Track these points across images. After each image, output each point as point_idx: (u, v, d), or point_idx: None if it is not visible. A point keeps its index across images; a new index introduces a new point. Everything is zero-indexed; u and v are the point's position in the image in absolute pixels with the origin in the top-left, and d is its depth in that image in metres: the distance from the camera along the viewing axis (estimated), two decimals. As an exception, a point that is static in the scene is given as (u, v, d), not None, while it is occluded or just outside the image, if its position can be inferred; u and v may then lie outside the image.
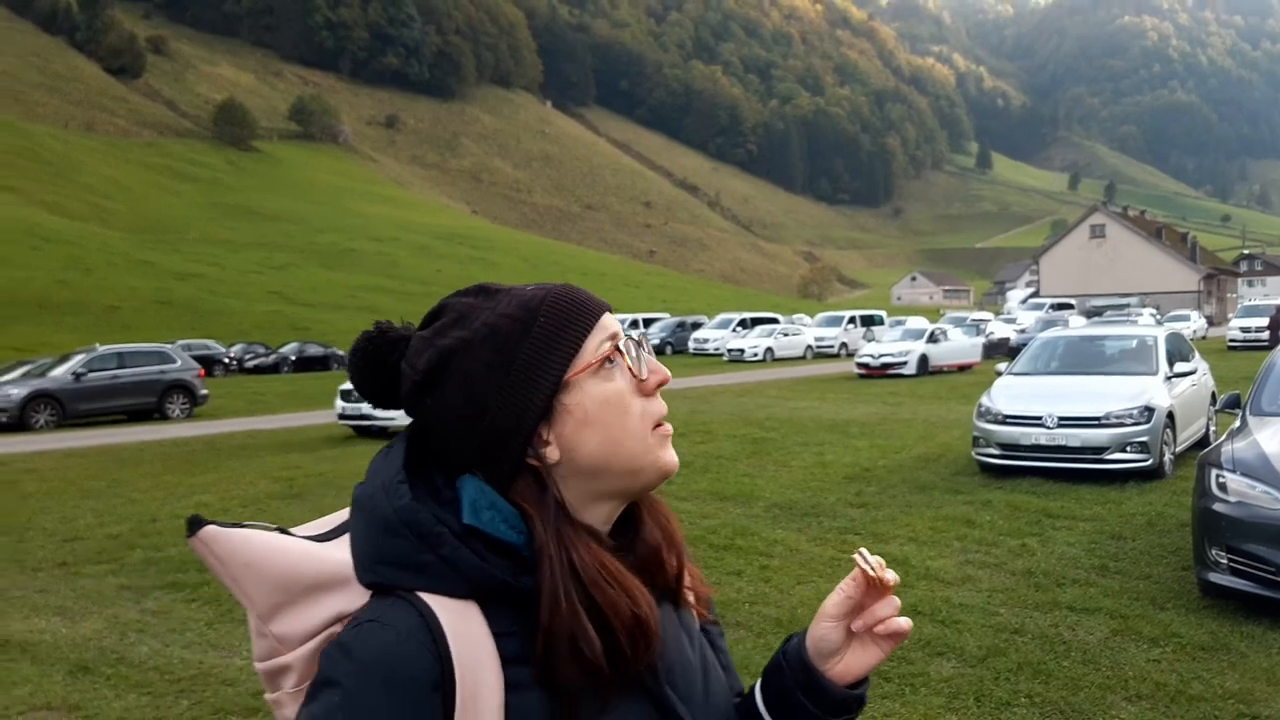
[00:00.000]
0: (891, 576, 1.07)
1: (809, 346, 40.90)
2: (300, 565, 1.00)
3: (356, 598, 0.98)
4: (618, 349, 1.02)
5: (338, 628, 0.98)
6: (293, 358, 45.30)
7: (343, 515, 1.07)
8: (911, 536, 8.10)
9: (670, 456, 1.04)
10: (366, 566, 0.96)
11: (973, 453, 10.96)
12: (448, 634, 0.92)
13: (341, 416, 16.95)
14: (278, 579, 0.99)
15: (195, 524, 1.01)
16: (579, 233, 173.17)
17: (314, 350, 46.94)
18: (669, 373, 1.05)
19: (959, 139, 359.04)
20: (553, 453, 0.99)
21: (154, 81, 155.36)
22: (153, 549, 8.55)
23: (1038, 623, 5.84)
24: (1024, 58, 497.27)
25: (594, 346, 1.01)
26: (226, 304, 65.20)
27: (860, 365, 28.02)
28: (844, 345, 41.05)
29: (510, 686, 0.93)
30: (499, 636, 0.94)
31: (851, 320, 43.25)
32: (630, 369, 1.02)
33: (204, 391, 23.89)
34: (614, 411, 1.00)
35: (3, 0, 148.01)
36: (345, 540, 1.02)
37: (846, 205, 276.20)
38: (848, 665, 1.09)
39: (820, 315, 48.71)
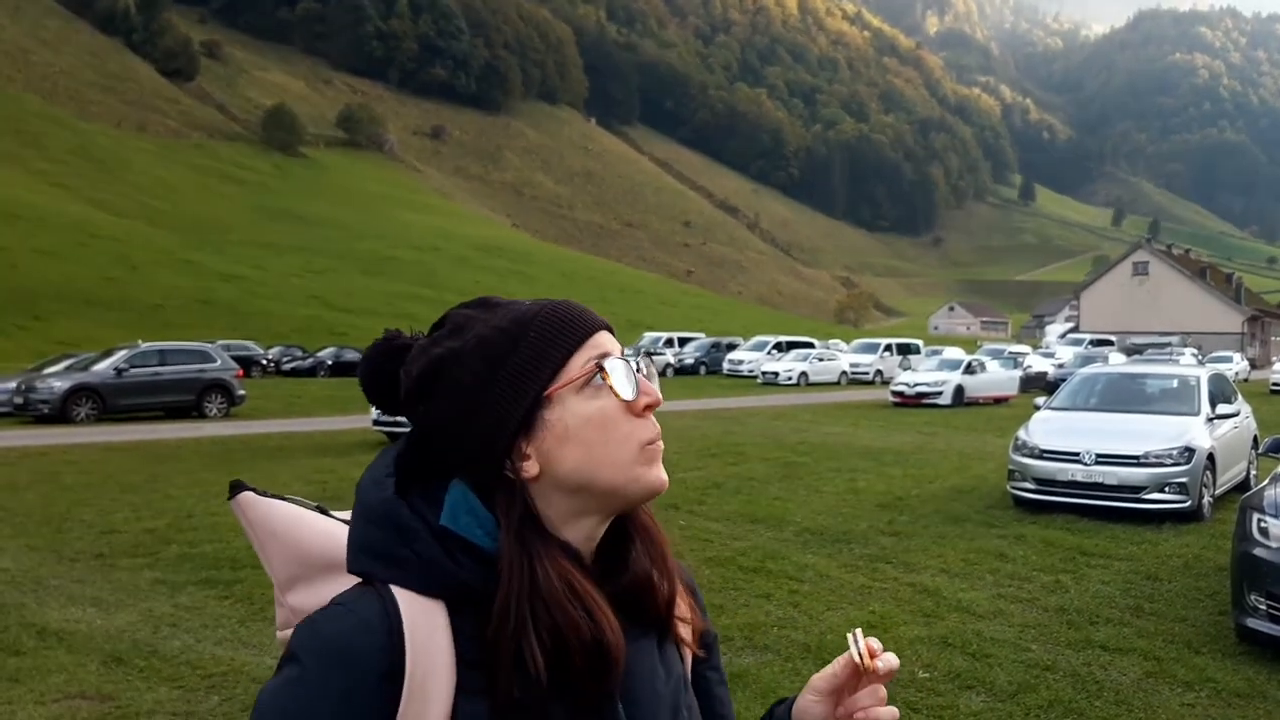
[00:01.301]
0: (885, 665, 1.06)
1: (844, 372, 40.74)
2: (320, 543, 1.04)
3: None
4: (600, 367, 1.01)
5: None
6: (329, 362, 45.65)
7: None
8: (943, 568, 8.04)
9: (656, 474, 1.03)
10: (353, 554, 0.99)
11: (1008, 486, 10.87)
12: (406, 628, 0.93)
13: (376, 423, 17.08)
14: (298, 552, 1.03)
15: (236, 488, 1.06)
16: (618, 249, 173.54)
17: (351, 355, 47.20)
18: (660, 396, 1.05)
19: (1002, 170, 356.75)
20: (531, 466, 1.00)
21: (206, 85, 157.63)
22: (188, 545, 8.65)
23: (1070, 661, 5.77)
24: (1072, 91, 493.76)
25: (580, 363, 1.01)
26: (267, 306, 65.95)
27: (895, 393, 27.88)
28: (879, 373, 40.84)
29: (462, 689, 0.94)
30: (460, 638, 0.95)
31: (888, 348, 43.03)
32: (612, 389, 1.01)
33: (242, 392, 24.15)
34: (595, 430, 1.00)
35: (63, 0, 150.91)
36: None
37: (886, 232, 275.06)
38: None
39: (856, 342, 48.51)
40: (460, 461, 1.01)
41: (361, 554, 0.98)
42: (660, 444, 1.04)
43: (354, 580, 0.99)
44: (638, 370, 1.04)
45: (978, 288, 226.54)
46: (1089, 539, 9.07)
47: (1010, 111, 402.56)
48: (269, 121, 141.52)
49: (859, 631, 1.05)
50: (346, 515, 1.08)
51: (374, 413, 17.09)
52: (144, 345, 23.92)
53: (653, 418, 1.04)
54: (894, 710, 1.07)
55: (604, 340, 1.04)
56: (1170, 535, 9.27)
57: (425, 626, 0.94)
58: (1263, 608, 5.70)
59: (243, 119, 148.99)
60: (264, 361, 44.41)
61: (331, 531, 1.05)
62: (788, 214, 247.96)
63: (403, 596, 0.95)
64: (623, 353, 1.06)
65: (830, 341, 51.72)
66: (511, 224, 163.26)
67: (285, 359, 46.64)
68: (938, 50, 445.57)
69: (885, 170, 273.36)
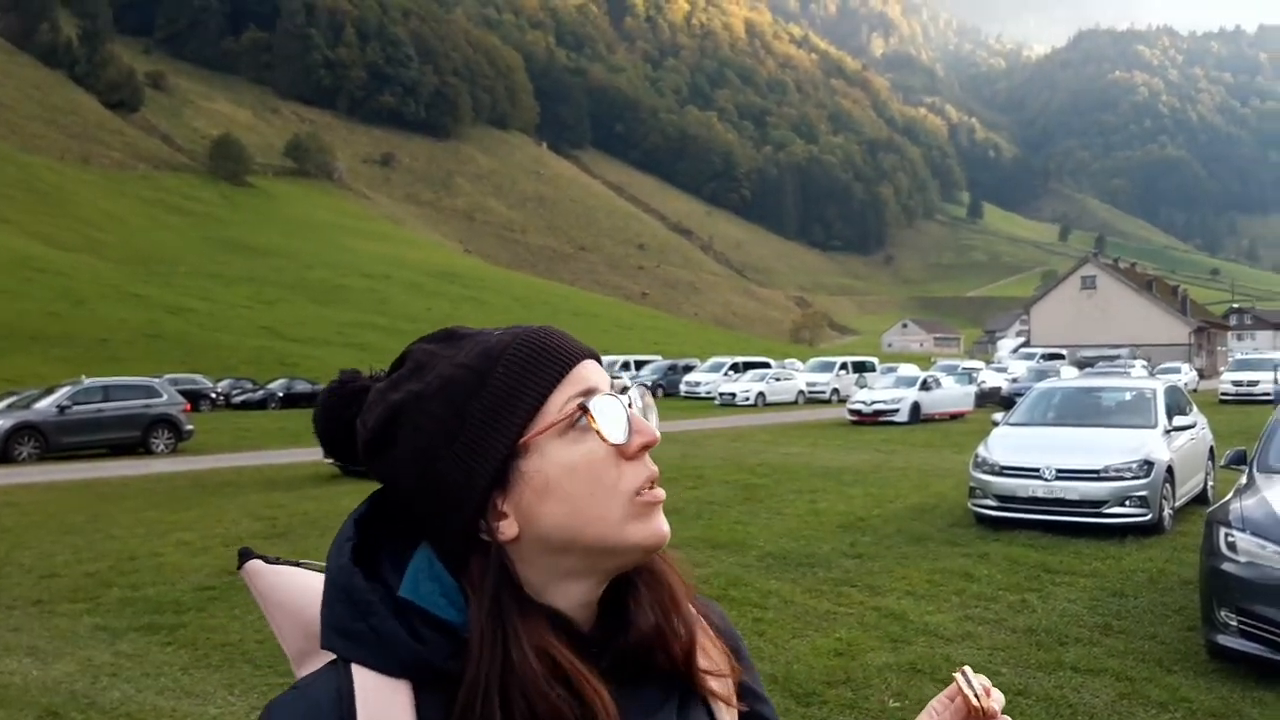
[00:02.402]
0: (999, 702, 0.96)
1: (801, 392, 40.79)
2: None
3: None
4: (584, 408, 0.88)
5: None
6: (280, 394, 45.02)
7: None
8: (909, 589, 7.91)
9: (654, 527, 0.90)
10: (323, 629, 0.88)
11: (969, 503, 10.81)
12: (359, 714, 0.83)
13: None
14: (306, 624, 0.92)
15: (244, 555, 0.97)
16: (571, 273, 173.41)
17: (302, 386, 46.67)
18: (657, 434, 0.91)
19: (951, 189, 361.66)
20: (509, 527, 0.87)
21: (151, 116, 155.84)
22: (130, 588, 8.32)
23: (1042, 684, 5.65)
24: (1016, 110, 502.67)
25: (560, 402, 0.88)
26: (216, 338, 64.96)
27: (853, 412, 27.90)
28: (836, 391, 40.95)
29: None
30: None
31: (844, 366, 43.21)
32: (599, 433, 0.87)
33: (189, 427, 23.63)
34: (581, 481, 0.87)
35: (3, 33, 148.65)
36: None
37: (839, 252, 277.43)
38: None
39: (812, 361, 48.67)
40: (424, 523, 0.90)
41: (328, 629, 0.87)
42: (659, 491, 0.91)
43: None
44: (629, 405, 0.91)
45: (929, 304, 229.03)
46: (1053, 555, 9.00)
47: (957, 131, 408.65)
48: (216, 151, 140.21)
49: (968, 669, 0.95)
50: None
51: (326, 445, 16.73)
52: (87, 381, 23.33)
53: (648, 459, 0.91)
54: None
55: (588, 373, 0.91)
56: (1133, 549, 9.22)
57: (382, 711, 0.83)
58: (1233, 624, 5.62)
59: (189, 149, 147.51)
60: (213, 395, 43.66)
61: None
62: (741, 235, 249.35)
63: (362, 677, 0.84)
64: (611, 385, 0.93)
65: (786, 361, 51.84)
66: (464, 250, 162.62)
67: (235, 391, 45.92)
68: (884, 72, 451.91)
69: (836, 190, 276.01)
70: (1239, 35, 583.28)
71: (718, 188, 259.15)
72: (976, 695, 0.93)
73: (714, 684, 0.97)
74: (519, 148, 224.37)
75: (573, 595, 0.90)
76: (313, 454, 18.95)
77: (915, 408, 27.67)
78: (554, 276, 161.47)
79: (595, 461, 0.87)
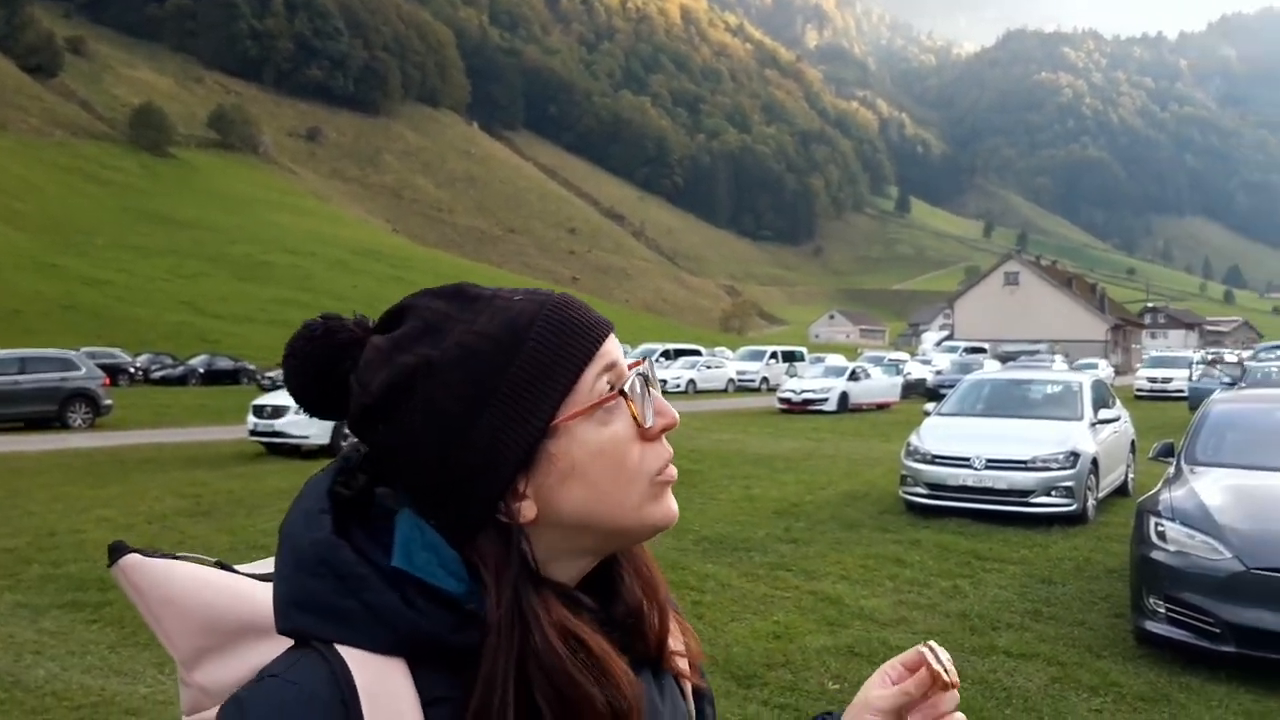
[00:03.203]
0: (955, 676, 0.91)
1: (731, 380, 41.04)
2: (228, 605, 0.87)
3: (284, 647, 0.83)
4: (622, 392, 0.85)
5: None
6: (201, 370, 44.02)
7: None
8: (843, 574, 7.99)
9: (667, 508, 0.87)
10: (283, 610, 0.81)
11: (900, 491, 10.95)
12: (361, 697, 0.76)
13: (253, 433, 16.39)
14: (202, 620, 0.86)
15: (116, 551, 0.87)
16: (500, 255, 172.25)
17: (224, 363, 45.70)
18: (677, 415, 0.88)
19: (880, 183, 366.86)
20: (529, 509, 0.83)
21: (70, 82, 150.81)
22: (51, 565, 8.05)
23: (976, 668, 5.74)
24: (945, 107, 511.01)
25: (590, 382, 0.83)
26: (134, 312, 63.28)
27: (782, 400, 28.16)
28: (765, 380, 41.28)
29: None
30: (428, 704, 0.79)
31: (774, 355, 43.56)
32: (634, 416, 0.84)
33: (108, 401, 22.96)
34: (608, 464, 0.83)
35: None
36: None
37: (769, 242, 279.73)
38: None
39: (743, 349, 49.00)
40: (428, 500, 0.83)
41: (294, 610, 0.80)
42: (673, 471, 0.88)
43: (283, 645, 0.82)
44: (648, 383, 0.88)
45: (857, 296, 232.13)
46: (982, 543, 9.17)
47: (887, 125, 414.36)
48: (136, 120, 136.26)
49: (933, 643, 0.92)
50: (255, 568, 0.93)
51: (250, 422, 16.41)
52: (2, 353, 22.54)
53: (665, 440, 0.88)
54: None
55: (612, 349, 0.86)
56: (1059, 538, 9.43)
57: (384, 692, 0.77)
58: (1161, 611, 5.76)
59: (108, 117, 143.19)
60: (132, 370, 42.51)
61: (241, 590, 0.89)
62: (673, 222, 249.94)
63: (352, 657, 0.78)
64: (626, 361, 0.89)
65: (716, 349, 52.13)
66: (391, 228, 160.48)
67: (154, 367, 44.82)
68: (817, 64, 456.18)
69: (768, 180, 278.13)
70: (1160, 41, 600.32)
71: (650, 174, 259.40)
72: (946, 670, 0.90)
73: (680, 663, 0.97)
74: (449, 126, 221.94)
75: (572, 571, 0.87)
76: (237, 431, 18.56)
77: (844, 397, 28.01)
78: (482, 258, 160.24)
79: (621, 444, 0.84)
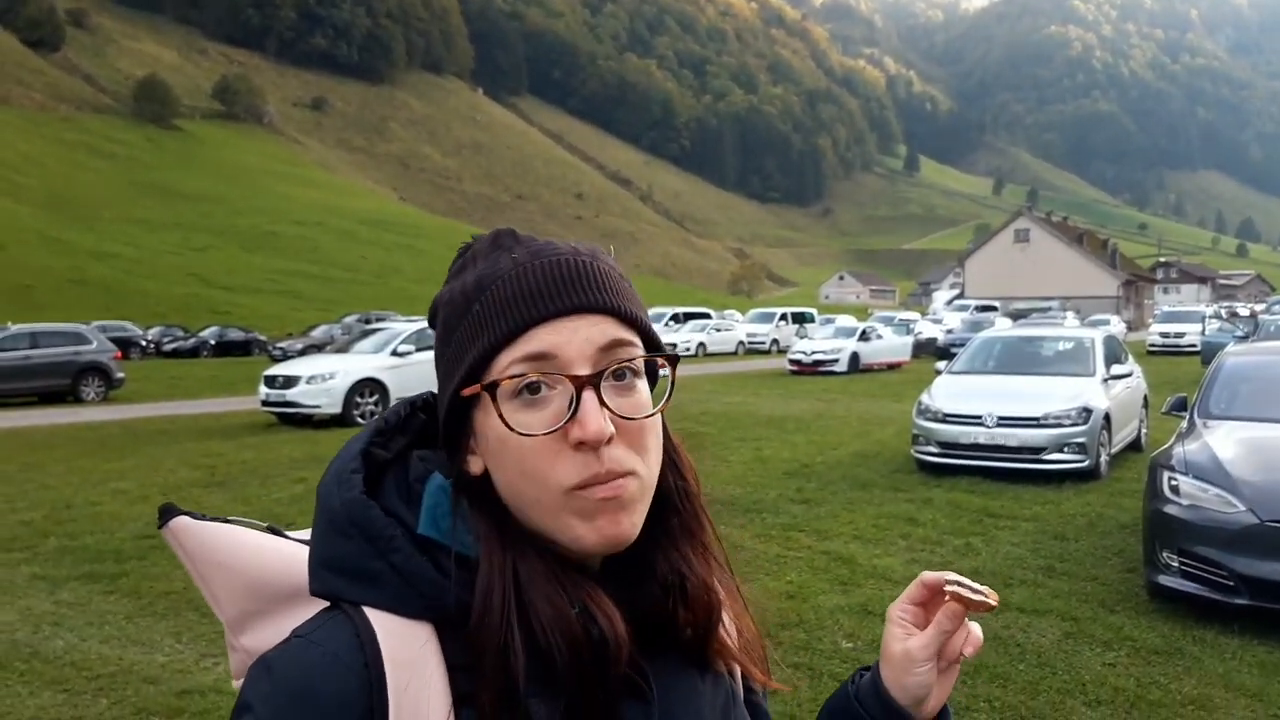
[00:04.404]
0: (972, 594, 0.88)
1: (741, 343, 40.99)
2: (277, 570, 0.86)
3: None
4: (490, 386, 0.79)
5: None
6: (212, 342, 44.20)
7: None
8: (856, 534, 8.00)
9: (599, 527, 0.79)
10: (315, 571, 0.81)
11: (911, 450, 10.94)
12: (385, 660, 0.75)
13: (265, 403, 16.43)
14: (251, 583, 0.85)
15: (166, 513, 0.87)
16: (508, 222, 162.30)
17: (235, 335, 45.85)
18: (603, 430, 0.77)
19: (888, 141, 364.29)
20: (476, 464, 0.82)
21: (73, 55, 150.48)
22: (68, 537, 8.11)
23: (990, 625, 5.74)
24: (953, 63, 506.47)
25: (505, 364, 0.79)
26: (143, 285, 63.44)
27: (793, 362, 28.11)
28: (775, 342, 41.22)
29: None
30: (453, 670, 0.77)
31: (783, 317, 43.47)
32: (500, 416, 0.78)
33: (120, 374, 23.07)
34: (510, 455, 0.79)
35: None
36: None
37: (777, 203, 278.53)
38: (936, 700, 0.91)
39: (753, 312, 48.91)
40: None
41: (325, 571, 0.80)
42: (602, 490, 0.78)
43: (316, 610, 0.82)
44: (595, 386, 0.79)
45: (866, 257, 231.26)
46: (994, 500, 9.16)
47: (894, 83, 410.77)
48: (140, 93, 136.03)
49: (948, 573, 0.90)
50: (307, 534, 0.89)
51: (262, 392, 16.46)
52: (13, 328, 22.63)
53: (602, 456, 0.78)
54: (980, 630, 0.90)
55: (551, 335, 0.79)
56: (1071, 494, 9.41)
57: (409, 656, 0.76)
58: (1175, 565, 5.75)
59: (112, 91, 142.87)
60: (143, 343, 42.73)
61: (291, 554, 0.87)
62: (680, 185, 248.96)
63: (379, 620, 0.77)
64: (599, 357, 0.80)
65: (726, 312, 52.04)
66: (398, 197, 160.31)
67: (166, 339, 45.02)
68: (823, 21, 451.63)
69: (775, 141, 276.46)
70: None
71: (657, 137, 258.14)
72: (978, 591, 0.88)
73: (731, 662, 0.93)
74: (454, 93, 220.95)
75: (564, 552, 0.82)
76: (249, 402, 18.64)
77: (854, 358, 27.95)
78: (491, 225, 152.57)
79: (525, 440, 0.78)
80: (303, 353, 28.89)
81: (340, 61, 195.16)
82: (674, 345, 38.82)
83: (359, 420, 15.86)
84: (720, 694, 0.91)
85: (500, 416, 0.78)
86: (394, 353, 16.77)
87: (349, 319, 44.30)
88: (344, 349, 18.70)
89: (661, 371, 0.89)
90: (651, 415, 0.83)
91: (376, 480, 0.83)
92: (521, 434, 0.78)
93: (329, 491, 0.81)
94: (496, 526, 0.80)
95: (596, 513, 0.79)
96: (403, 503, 0.81)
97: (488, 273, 0.81)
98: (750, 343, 41.42)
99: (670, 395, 0.86)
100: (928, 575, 0.91)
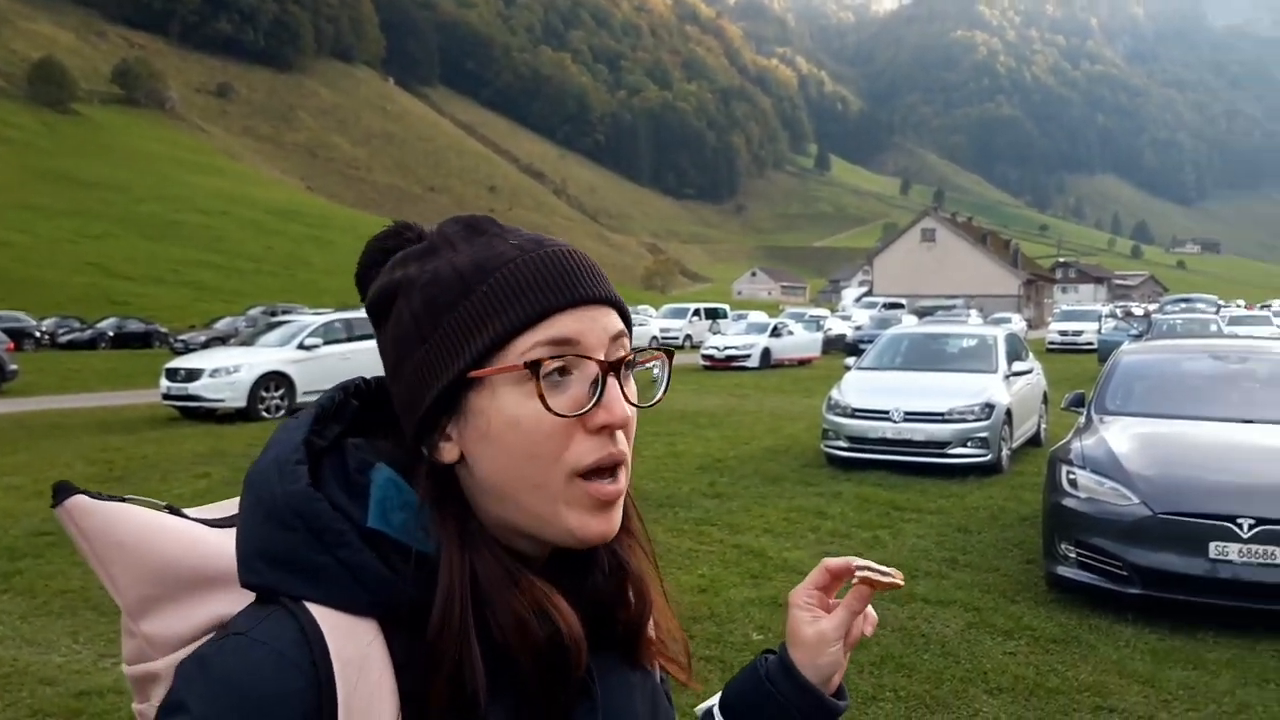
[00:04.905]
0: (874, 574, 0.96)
1: (654, 337, 41.05)
2: (182, 554, 0.82)
3: (242, 600, 0.80)
4: (531, 365, 0.78)
5: (213, 635, 0.80)
6: (111, 333, 42.79)
7: None
8: (766, 528, 8.09)
9: (591, 521, 0.81)
10: (248, 563, 0.78)
11: (821, 445, 11.10)
12: (334, 658, 0.73)
13: (166, 397, 15.98)
14: (153, 568, 0.81)
15: (61, 491, 0.82)
16: (419, 215, 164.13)
17: (135, 326, 44.49)
18: (628, 414, 0.81)
19: (800, 140, 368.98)
20: (449, 451, 0.81)
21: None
22: (-48, 537, 7.77)
23: (896, 615, 5.86)
24: (863, 64, 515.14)
25: (524, 347, 0.78)
26: (39, 274, 61.13)
27: (705, 357, 28.30)
28: (689, 337, 41.43)
29: None
30: (400, 668, 0.76)
31: (696, 313, 43.70)
32: (541, 397, 0.77)
33: (13, 366, 22.18)
34: (521, 438, 0.79)
35: None
36: None
37: (691, 200, 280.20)
38: (839, 677, 0.97)
39: (666, 307, 49.07)
40: (394, 415, 0.84)
41: (262, 563, 0.77)
42: (607, 487, 0.81)
43: (235, 597, 0.80)
44: (617, 372, 0.81)
45: (778, 254, 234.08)
46: (901, 494, 9.34)
47: (806, 83, 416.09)
48: (36, 75, 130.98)
49: (854, 558, 0.95)
50: (205, 513, 0.89)
51: (163, 386, 15.99)
52: (-106, 317, 21.64)
53: (616, 441, 0.81)
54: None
55: (574, 321, 0.80)
56: (974, 488, 9.65)
57: (356, 654, 0.74)
58: (1072, 556, 5.94)
59: (7, 73, 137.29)
60: (37, 334, 41.10)
61: (195, 538, 0.84)
62: (595, 180, 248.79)
63: (323, 616, 0.75)
64: (610, 347, 0.82)
65: (640, 307, 52.14)
66: (306, 187, 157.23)
67: (61, 330, 43.40)
68: (737, 20, 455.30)
69: (689, 138, 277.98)
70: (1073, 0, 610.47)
71: (571, 131, 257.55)
72: (884, 573, 0.94)
73: (660, 661, 0.95)
74: (364, 82, 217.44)
75: (519, 545, 0.83)
76: (149, 395, 18.10)
77: (766, 353, 28.25)
78: (401, 217, 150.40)
79: (541, 422, 0.78)
80: (206, 345, 28.14)
81: (246, 47, 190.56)
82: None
83: (264, 415, 15.53)
84: (649, 686, 0.93)
85: (540, 396, 0.77)
86: (301, 346, 16.41)
87: (254, 311, 43.39)
88: (249, 342, 18.24)
89: (653, 365, 0.90)
90: (655, 404, 0.86)
91: (318, 470, 0.80)
92: (558, 414, 0.77)
93: (268, 482, 0.79)
94: (458, 522, 0.80)
95: (592, 507, 0.80)
96: (344, 494, 0.79)
97: (488, 256, 0.80)
98: (663, 338, 41.53)
99: (668, 387, 0.89)
100: (830, 561, 0.95)
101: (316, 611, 0.75)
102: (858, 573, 0.94)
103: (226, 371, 15.62)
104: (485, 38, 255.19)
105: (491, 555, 0.80)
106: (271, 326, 18.62)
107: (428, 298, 0.80)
